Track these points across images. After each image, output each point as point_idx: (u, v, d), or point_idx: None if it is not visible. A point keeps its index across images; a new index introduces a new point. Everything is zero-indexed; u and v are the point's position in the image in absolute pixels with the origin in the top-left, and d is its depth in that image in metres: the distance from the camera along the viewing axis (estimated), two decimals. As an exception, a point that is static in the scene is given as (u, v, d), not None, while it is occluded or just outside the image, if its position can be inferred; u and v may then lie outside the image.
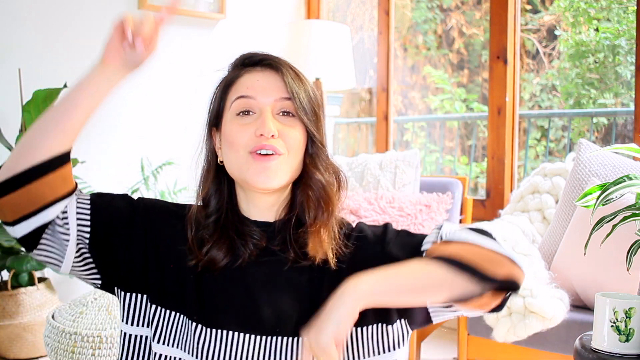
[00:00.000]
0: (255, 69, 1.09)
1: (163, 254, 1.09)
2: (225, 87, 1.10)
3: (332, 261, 1.08)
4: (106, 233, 1.07)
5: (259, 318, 1.05)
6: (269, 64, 1.08)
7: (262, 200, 1.10)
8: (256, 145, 1.03)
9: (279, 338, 1.05)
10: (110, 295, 2.13)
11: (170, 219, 1.11)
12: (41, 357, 2.66)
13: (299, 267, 1.08)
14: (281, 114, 1.06)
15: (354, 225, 1.15)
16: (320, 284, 1.08)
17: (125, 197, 1.12)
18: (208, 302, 1.06)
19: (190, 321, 1.06)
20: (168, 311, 1.08)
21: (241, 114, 1.06)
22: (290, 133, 1.05)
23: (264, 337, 1.05)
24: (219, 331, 1.05)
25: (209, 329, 1.05)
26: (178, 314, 1.07)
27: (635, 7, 2.70)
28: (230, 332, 1.05)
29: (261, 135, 1.03)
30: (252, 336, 1.05)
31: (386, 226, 1.14)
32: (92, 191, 3.04)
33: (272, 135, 1.03)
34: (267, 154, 1.03)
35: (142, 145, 3.25)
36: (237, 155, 1.05)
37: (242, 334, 1.05)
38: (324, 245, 1.07)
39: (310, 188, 1.09)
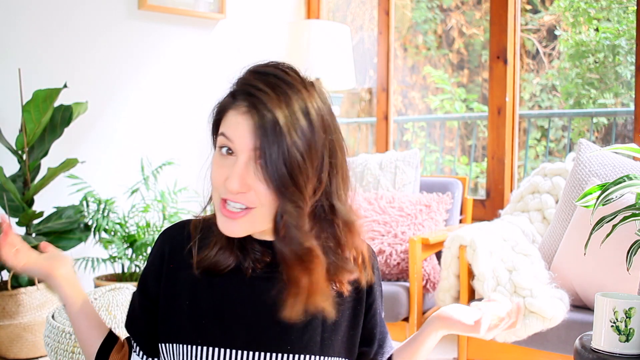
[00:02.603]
0: (240, 107, 0.99)
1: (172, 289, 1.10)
2: (220, 111, 1.04)
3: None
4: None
5: (268, 335, 1.04)
6: (254, 105, 0.97)
7: None
8: (224, 196, 1.00)
9: (290, 356, 1.04)
10: (110, 295, 2.13)
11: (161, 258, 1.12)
12: (41, 357, 2.66)
13: None
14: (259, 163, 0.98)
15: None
16: None
17: (140, 306, 1.15)
18: (214, 321, 1.05)
19: (191, 346, 1.04)
20: (182, 345, 1.06)
21: (224, 150, 1.00)
22: (262, 188, 0.97)
23: (272, 355, 1.04)
24: (227, 351, 1.04)
25: (216, 349, 1.03)
26: (184, 345, 1.06)
27: (635, 7, 2.70)
28: (240, 352, 1.03)
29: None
30: (262, 354, 1.04)
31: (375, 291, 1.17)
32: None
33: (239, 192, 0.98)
34: (231, 211, 0.99)
35: (142, 145, 3.25)
36: (214, 194, 1.03)
37: (251, 353, 1.03)
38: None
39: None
